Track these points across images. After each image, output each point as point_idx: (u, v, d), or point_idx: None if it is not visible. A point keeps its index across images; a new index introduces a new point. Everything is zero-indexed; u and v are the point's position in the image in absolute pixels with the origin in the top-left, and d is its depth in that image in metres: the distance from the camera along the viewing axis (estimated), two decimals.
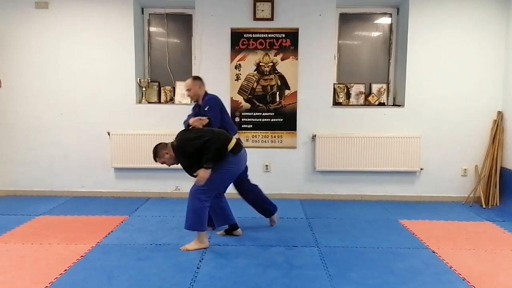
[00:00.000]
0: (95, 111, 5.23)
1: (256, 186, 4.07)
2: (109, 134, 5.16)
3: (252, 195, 4.03)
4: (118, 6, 5.11)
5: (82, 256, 3.35)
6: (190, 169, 3.48)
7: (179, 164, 3.52)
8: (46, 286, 2.82)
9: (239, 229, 3.90)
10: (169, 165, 3.54)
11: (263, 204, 4.09)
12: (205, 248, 3.54)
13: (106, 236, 3.82)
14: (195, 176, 3.44)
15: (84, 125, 5.26)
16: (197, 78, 3.95)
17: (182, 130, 3.67)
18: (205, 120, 3.72)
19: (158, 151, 3.48)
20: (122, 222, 4.24)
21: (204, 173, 3.36)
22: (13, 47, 5.18)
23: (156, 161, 3.50)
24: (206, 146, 3.32)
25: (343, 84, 5.36)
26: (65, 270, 3.08)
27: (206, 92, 3.97)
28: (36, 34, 5.16)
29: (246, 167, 3.94)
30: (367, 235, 3.93)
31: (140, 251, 3.47)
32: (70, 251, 3.46)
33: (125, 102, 5.22)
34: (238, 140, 3.67)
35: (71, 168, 5.31)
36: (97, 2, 5.12)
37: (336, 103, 5.28)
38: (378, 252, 3.51)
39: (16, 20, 5.15)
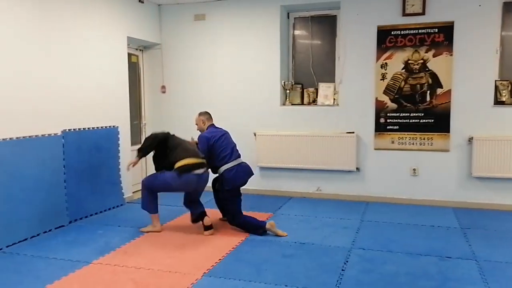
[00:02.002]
0: (243, 113, 5.57)
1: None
2: (255, 134, 5.46)
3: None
4: (266, 13, 5.37)
5: (233, 247, 3.61)
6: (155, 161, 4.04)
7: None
8: (204, 272, 3.10)
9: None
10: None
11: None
12: (157, 232, 4.02)
13: None
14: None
15: (233, 127, 5.55)
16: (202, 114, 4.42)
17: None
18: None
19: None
20: (267, 218, 4.43)
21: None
22: (174, 56, 5.84)
23: None
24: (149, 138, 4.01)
25: (507, 80, 4.75)
26: (220, 259, 3.36)
27: (212, 125, 4.38)
28: (194, 43, 5.72)
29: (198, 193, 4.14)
30: None
31: (285, 248, 3.59)
32: (224, 242, 3.75)
33: (270, 104, 5.46)
34: (205, 168, 3.98)
35: None
36: (248, 11, 5.45)
37: (498, 102, 4.72)
38: None
39: (178, 32, 5.78)
